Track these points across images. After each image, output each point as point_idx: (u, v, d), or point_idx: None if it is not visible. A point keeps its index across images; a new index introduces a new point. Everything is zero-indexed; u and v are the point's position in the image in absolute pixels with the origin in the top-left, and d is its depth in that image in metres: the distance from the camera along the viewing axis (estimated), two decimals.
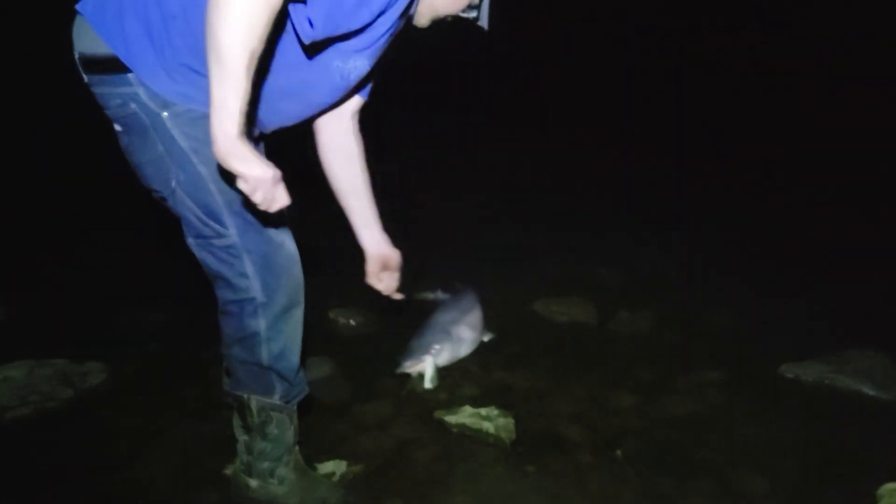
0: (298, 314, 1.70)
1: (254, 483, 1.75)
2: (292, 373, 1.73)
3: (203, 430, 2.09)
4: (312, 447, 1.96)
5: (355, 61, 1.55)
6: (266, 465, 1.74)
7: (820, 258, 3.31)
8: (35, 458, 1.93)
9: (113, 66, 1.48)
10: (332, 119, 1.81)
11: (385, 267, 1.93)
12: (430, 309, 2.60)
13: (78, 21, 1.53)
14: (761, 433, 2.12)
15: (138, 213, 1.80)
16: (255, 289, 1.60)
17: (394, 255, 1.93)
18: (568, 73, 6.94)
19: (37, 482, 1.84)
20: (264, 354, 1.66)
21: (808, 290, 3.00)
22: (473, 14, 1.62)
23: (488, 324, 2.61)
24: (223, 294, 1.64)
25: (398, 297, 1.97)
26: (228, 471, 1.83)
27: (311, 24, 1.37)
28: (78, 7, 1.52)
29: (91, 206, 3.75)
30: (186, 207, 1.56)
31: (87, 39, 1.50)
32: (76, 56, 1.53)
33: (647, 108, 6.00)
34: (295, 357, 1.72)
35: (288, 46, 1.50)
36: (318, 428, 2.04)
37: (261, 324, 1.63)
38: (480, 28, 1.65)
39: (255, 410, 1.70)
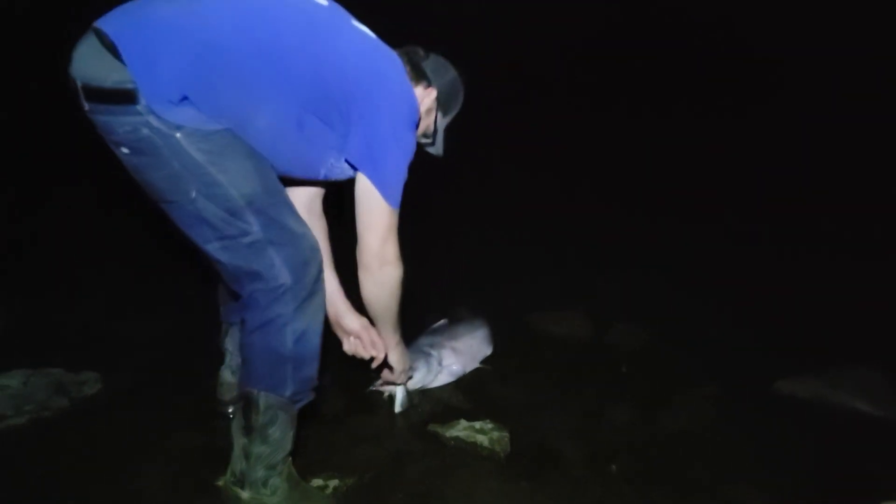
0: (320, 299, 1.76)
1: (246, 494, 1.75)
2: (311, 360, 1.76)
3: (197, 440, 2.08)
4: (306, 459, 1.95)
5: (345, 164, 1.74)
6: (261, 472, 1.74)
7: (817, 273, 3.31)
8: (29, 468, 1.92)
9: (124, 98, 1.50)
10: (300, 203, 1.94)
11: (338, 324, 2.08)
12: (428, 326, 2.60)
13: (90, 46, 1.53)
14: (757, 449, 2.12)
15: (135, 223, 1.82)
16: (284, 276, 1.66)
17: (349, 318, 2.07)
18: (560, 87, 6.98)
19: (31, 491, 1.83)
20: (288, 337, 1.69)
21: (805, 305, 3.00)
22: (428, 141, 1.92)
23: (485, 353, 2.55)
24: (251, 286, 1.68)
25: (375, 363, 2.11)
26: (220, 482, 1.82)
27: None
28: (107, 29, 1.51)
29: (87, 216, 3.74)
30: (209, 212, 1.61)
31: (99, 68, 1.51)
32: (79, 84, 1.54)
33: (640, 123, 6.02)
34: (316, 339, 1.76)
35: (291, 131, 1.65)
36: (311, 439, 2.04)
37: (287, 307, 1.67)
38: (436, 154, 1.93)
39: (262, 407, 1.72)
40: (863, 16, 7.53)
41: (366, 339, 2.09)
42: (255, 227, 1.63)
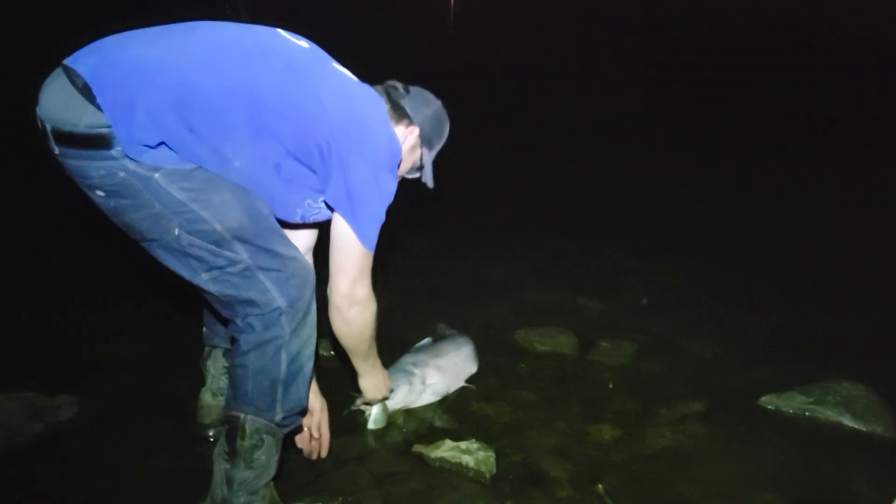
0: (314, 321, 1.77)
1: None
2: (302, 383, 1.76)
3: (176, 465, 2.04)
4: (288, 482, 1.92)
5: (322, 204, 1.75)
6: (243, 499, 1.71)
7: (800, 289, 3.32)
8: (3, 495, 1.88)
9: (98, 143, 1.47)
10: None
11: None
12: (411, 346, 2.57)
13: (60, 86, 1.50)
14: (742, 465, 2.11)
15: (110, 239, 1.79)
16: (278, 299, 1.65)
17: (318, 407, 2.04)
18: (545, 101, 7.01)
19: None
20: (283, 359, 1.68)
21: (789, 320, 3.01)
22: (417, 175, 1.93)
23: (470, 371, 2.52)
24: (245, 311, 1.67)
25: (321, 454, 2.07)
26: None
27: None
28: (80, 70, 1.48)
29: (63, 233, 3.67)
30: (195, 246, 1.59)
31: (70, 111, 1.48)
32: (48, 128, 1.50)
33: (629, 130, 6.04)
34: (308, 363, 1.76)
35: (268, 173, 1.65)
36: (294, 462, 2.01)
37: (284, 330, 1.67)
38: (426, 184, 1.94)
39: (248, 432, 1.69)
40: None
41: (314, 422, 2.06)
42: (243, 255, 1.62)
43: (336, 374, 2.39)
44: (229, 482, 1.71)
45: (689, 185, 4.84)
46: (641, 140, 5.85)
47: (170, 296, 2.21)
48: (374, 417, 2.22)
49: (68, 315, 2.91)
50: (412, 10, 12.72)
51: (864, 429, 2.30)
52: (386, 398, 2.22)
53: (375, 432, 2.21)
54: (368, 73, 1.86)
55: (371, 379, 2.11)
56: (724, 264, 3.60)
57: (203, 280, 1.64)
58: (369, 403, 2.21)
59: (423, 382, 2.31)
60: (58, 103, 1.50)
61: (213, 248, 1.60)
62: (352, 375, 2.20)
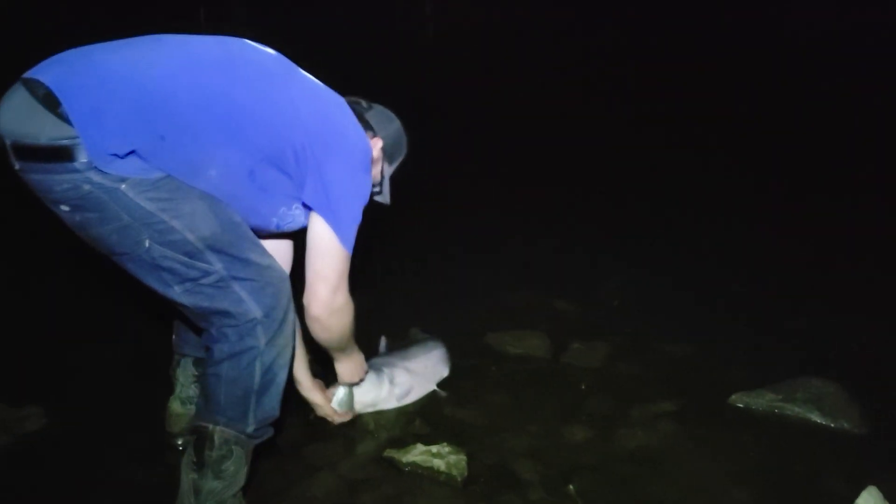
0: (290, 330, 1.75)
1: None
2: (274, 393, 1.74)
3: (145, 474, 2.02)
4: (259, 490, 1.91)
5: (297, 211, 1.75)
6: None
7: (771, 288, 3.35)
8: None
9: (60, 155, 1.44)
10: None
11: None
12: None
13: (20, 99, 1.47)
14: (713, 464, 2.12)
15: (80, 249, 1.77)
16: (254, 310, 1.64)
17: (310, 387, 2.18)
18: (523, 107, 7.02)
19: None
20: (257, 369, 1.67)
21: (760, 319, 3.04)
22: (376, 190, 1.94)
23: (442, 374, 2.52)
24: (219, 321, 1.65)
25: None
26: None
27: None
28: (45, 80, 1.45)
29: (32, 239, 3.61)
30: (167, 258, 1.56)
31: (31, 124, 1.45)
32: (8, 142, 1.47)
33: (607, 133, 6.06)
34: (282, 373, 1.75)
35: (243, 181, 1.64)
36: (265, 471, 1.99)
37: (259, 340, 1.66)
38: (383, 202, 1.98)
39: (217, 443, 1.68)
40: None
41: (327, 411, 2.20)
42: (216, 265, 1.60)
43: None
44: (197, 492, 1.69)
45: (664, 186, 4.87)
46: (618, 143, 5.86)
47: (138, 302, 2.19)
48: (339, 399, 2.21)
49: (33, 323, 2.87)
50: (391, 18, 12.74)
51: (832, 425, 2.32)
52: (362, 380, 2.23)
53: (347, 439, 2.20)
54: (360, 79, 1.87)
55: (347, 364, 2.13)
56: (697, 265, 3.63)
57: (176, 293, 1.62)
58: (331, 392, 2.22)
59: (391, 382, 2.30)
60: (18, 116, 1.47)
61: (186, 259, 1.58)
62: (334, 381, 2.19)
